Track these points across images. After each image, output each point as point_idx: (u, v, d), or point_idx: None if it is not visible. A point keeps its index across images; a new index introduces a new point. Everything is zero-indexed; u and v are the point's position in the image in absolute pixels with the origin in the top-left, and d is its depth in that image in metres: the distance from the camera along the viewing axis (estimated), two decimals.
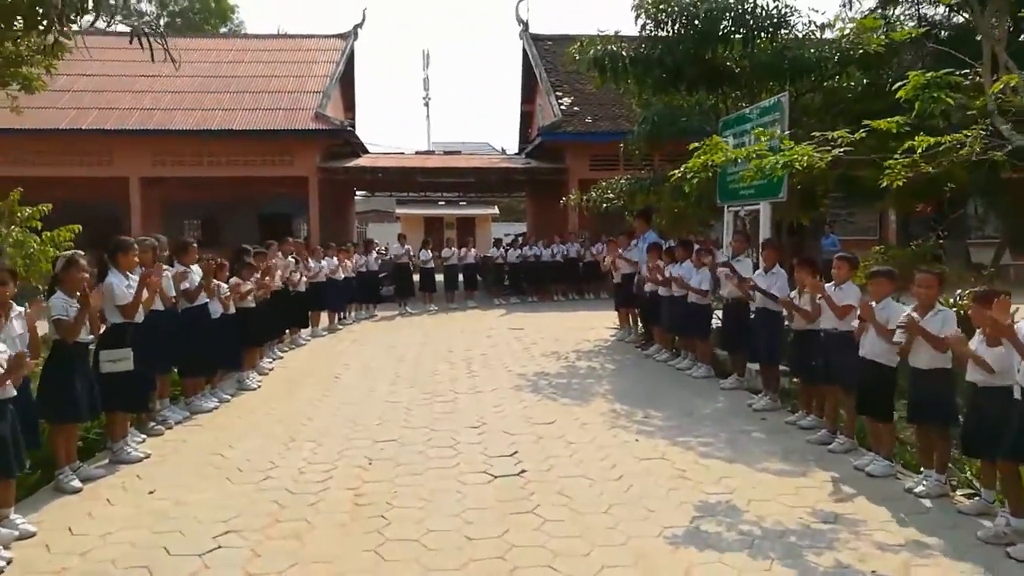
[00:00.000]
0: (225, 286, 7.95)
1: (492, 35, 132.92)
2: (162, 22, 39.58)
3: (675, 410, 7.47)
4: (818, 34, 11.51)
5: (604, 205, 12.10)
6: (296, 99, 21.67)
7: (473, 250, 18.32)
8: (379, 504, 4.92)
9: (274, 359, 10.32)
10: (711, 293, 9.24)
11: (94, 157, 20.00)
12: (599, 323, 14.18)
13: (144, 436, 6.27)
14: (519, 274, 19.05)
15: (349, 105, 28.19)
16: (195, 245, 7.50)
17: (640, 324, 11.88)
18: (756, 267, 8.37)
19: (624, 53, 11.79)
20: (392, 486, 5.26)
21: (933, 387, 5.03)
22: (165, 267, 6.90)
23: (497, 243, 19.48)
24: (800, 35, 11.51)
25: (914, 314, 5.11)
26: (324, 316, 13.76)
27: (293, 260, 11.65)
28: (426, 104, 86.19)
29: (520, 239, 20.79)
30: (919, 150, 5.42)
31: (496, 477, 5.42)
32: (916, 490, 5.05)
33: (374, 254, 16.46)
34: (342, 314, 14.70)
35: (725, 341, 8.83)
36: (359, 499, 5.02)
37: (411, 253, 17.34)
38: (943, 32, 15.89)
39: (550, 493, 5.10)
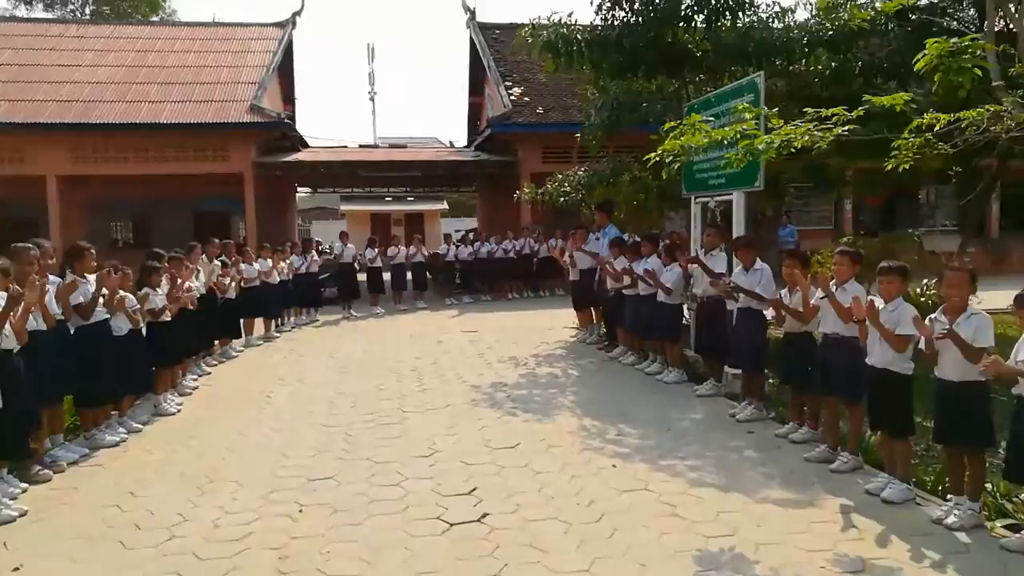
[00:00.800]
0: (132, 299, 6.86)
1: (439, 26, 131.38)
2: (88, 10, 37.54)
3: (651, 424, 6.68)
4: (781, 18, 10.88)
5: (561, 199, 11.26)
6: (230, 90, 20.31)
7: (422, 248, 17.32)
8: (307, 571, 3.98)
9: (200, 375, 9.22)
10: (682, 291, 8.48)
11: (4, 154, 18.36)
12: (557, 322, 13.38)
13: (25, 486, 5.18)
14: (471, 272, 18.13)
15: (288, 98, 26.82)
16: (91, 251, 6.39)
17: (602, 324, 11.11)
18: (731, 262, 7.66)
19: (579, 36, 11.00)
20: (325, 541, 4.32)
21: (966, 403, 4.30)
22: (51, 278, 5.81)
23: (447, 239, 18.51)
24: (764, 17, 10.88)
25: (943, 318, 4.37)
26: (260, 323, 12.67)
27: (220, 264, 10.54)
28: (372, 99, 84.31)
29: (471, 235, 19.87)
30: (936, 127, 4.69)
31: (452, 525, 4.51)
32: (947, 521, 4.32)
33: (313, 254, 15.36)
34: (279, 320, 13.60)
35: (699, 343, 8.09)
36: (283, 563, 4.07)
37: (355, 253, 16.28)
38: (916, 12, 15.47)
39: (518, 545, 4.22)
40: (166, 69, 21.11)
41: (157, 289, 7.51)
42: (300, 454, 6.01)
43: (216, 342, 10.55)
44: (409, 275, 17.14)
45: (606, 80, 11.93)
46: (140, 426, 6.82)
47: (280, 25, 24.23)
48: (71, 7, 37.81)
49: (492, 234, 18.69)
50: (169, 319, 7.58)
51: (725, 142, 6.38)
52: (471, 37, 24.89)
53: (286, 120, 19.15)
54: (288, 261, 14.03)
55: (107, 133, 18.39)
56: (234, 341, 11.19)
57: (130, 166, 18.91)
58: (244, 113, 19.06)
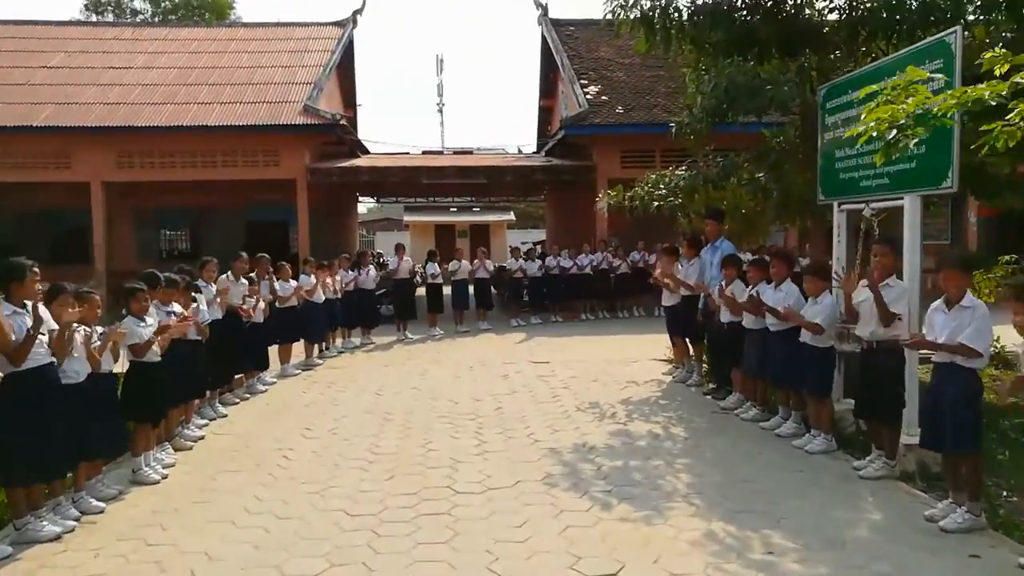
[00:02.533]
0: (86, 333, 5.11)
1: (510, 28, 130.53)
2: (155, 20, 37.24)
3: (810, 530, 4.58)
4: None
5: (654, 204, 9.20)
6: (283, 91, 18.96)
7: (488, 262, 15.48)
8: None
9: (212, 419, 7.52)
10: (838, 332, 6.34)
11: (50, 159, 17.35)
12: (642, 352, 11.37)
13: None
14: (541, 290, 16.19)
15: (349, 102, 25.51)
16: (35, 270, 4.68)
17: (707, 363, 9.00)
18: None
19: (680, 5, 8.99)
20: None
21: None
22: None
23: (514, 253, 16.62)
24: None
25: None
26: (302, 348, 10.99)
27: (248, 281, 8.86)
28: (440, 110, 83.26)
29: (538, 248, 17.94)
30: None
31: None
32: None
33: (371, 269, 13.65)
34: (323, 344, 11.91)
35: (862, 404, 5.88)
36: None
37: (412, 267, 14.54)
38: None
39: None
40: (218, 70, 19.92)
41: (146, 318, 5.80)
42: (305, 571, 4.14)
43: (240, 375, 8.90)
44: (472, 292, 15.32)
45: (709, 62, 9.83)
46: (102, 505, 5.07)
47: (340, 24, 22.88)
48: (141, 17, 37.65)
49: (563, 247, 16.70)
50: (159, 359, 5.84)
51: (897, 125, 4.27)
52: (543, 34, 23.10)
53: (341, 121, 17.61)
54: (338, 276, 12.36)
55: (153, 136, 17.20)
56: (269, 370, 9.51)
57: (177, 172, 17.68)
58: (297, 115, 17.63)
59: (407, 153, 22.93)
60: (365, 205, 51.99)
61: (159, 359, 5.83)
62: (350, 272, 12.99)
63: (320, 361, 11.27)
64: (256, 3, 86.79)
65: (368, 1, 23.79)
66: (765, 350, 7.04)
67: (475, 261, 15.35)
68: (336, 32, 22.49)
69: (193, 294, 7.17)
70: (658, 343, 11.98)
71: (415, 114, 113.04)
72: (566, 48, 20.70)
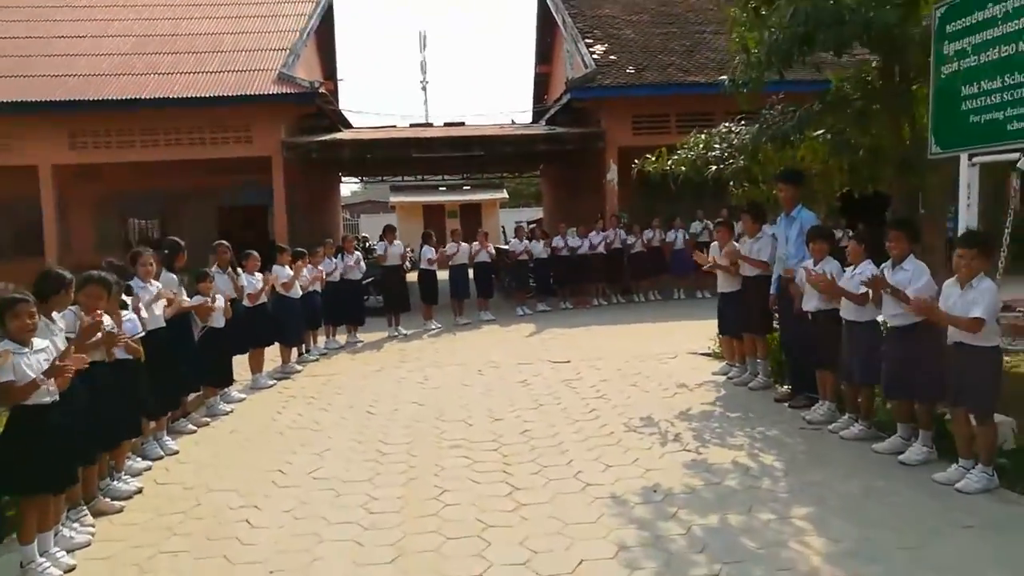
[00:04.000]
0: None
1: (496, 2, 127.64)
2: None
3: None
4: None
5: (711, 168, 7.43)
6: (254, 59, 17.01)
7: (489, 245, 13.73)
8: None
9: (154, 462, 5.76)
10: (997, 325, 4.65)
11: None
12: (676, 344, 9.85)
13: None
14: (548, 273, 14.46)
15: (329, 75, 23.55)
16: None
17: (780, 361, 7.33)
18: None
19: None
20: None
21: None
22: None
23: (519, 232, 14.84)
24: None
25: None
26: (277, 351, 9.26)
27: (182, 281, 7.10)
28: (423, 88, 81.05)
29: (530, 228, 16.13)
30: None
31: None
32: None
33: (357, 255, 11.86)
34: (303, 347, 10.16)
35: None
36: None
37: (403, 252, 12.75)
38: None
39: None
40: (180, 38, 17.93)
41: (35, 341, 4.03)
42: None
43: (196, 393, 7.16)
44: (471, 279, 13.57)
45: None
46: None
47: None
48: None
49: (563, 224, 14.96)
50: (51, 399, 4.06)
51: None
52: None
53: (321, 91, 15.71)
54: (319, 266, 10.59)
55: (107, 112, 15.26)
56: (226, 390, 7.76)
57: (137, 152, 15.78)
58: (271, 84, 15.73)
59: (393, 127, 21.02)
60: (348, 187, 49.94)
61: (56, 398, 4.06)
62: (333, 260, 11.21)
63: (299, 367, 9.53)
64: None
65: None
66: (873, 349, 5.40)
67: (475, 243, 13.60)
68: None
69: (124, 297, 5.42)
70: (691, 332, 10.46)
71: (399, 91, 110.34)
72: (567, 5, 18.80)
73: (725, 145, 7.54)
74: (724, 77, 8.02)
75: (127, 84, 15.62)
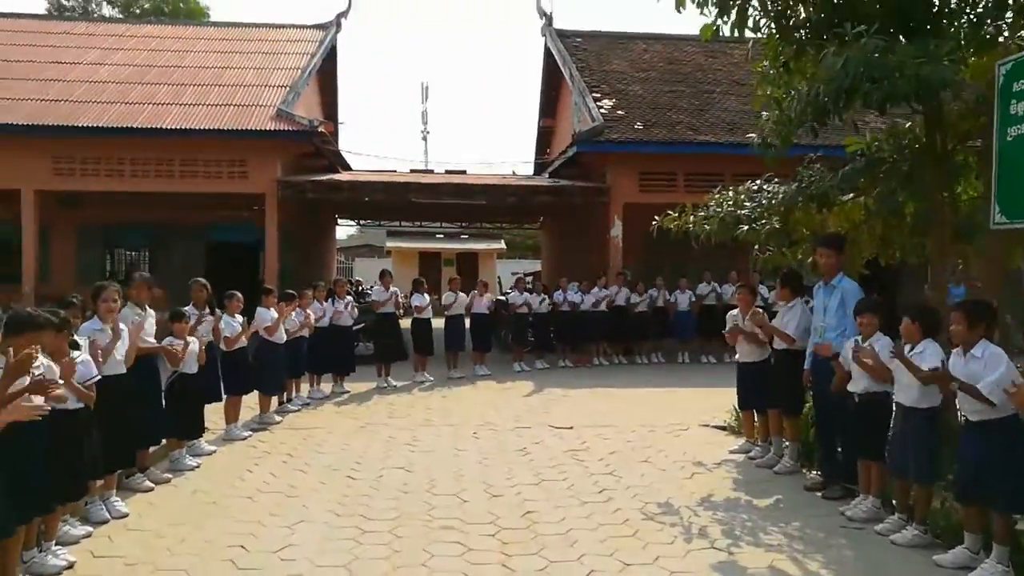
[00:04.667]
0: None
1: (502, 49, 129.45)
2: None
3: None
4: None
5: (741, 229, 6.80)
6: (254, 94, 16.56)
7: (487, 295, 13.08)
8: None
9: (95, 527, 4.97)
10: None
11: None
12: (686, 413, 9.27)
13: None
14: (548, 329, 13.78)
15: (330, 116, 23.17)
16: None
17: (812, 445, 6.63)
18: None
19: None
20: None
21: None
22: None
23: (518, 284, 14.20)
24: None
25: None
26: (255, 401, 8.51)
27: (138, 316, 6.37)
28: (424, 139, 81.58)
29: (531, 280, 15.48)
30: None
31: None
32: None
33: (349, 300, 11.17)
34: (286, 396, 9.40)
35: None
36: None
37: (399, 296, 12.06)
38: None
39: None
40: (181, 69, 17.49)
41: None
42: None
43: (156, 446, 6.40)
44: (468, 330, 12.88)
45: (789, 53, 7.54)
46: None
47: (322, 27, 20.58)
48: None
49: (563, 279, 14.32)
50: None
51: None
52: (546, 46, 20.99)
53: (318, 128, 15.22)
54: (306, 311, 9.90)
55: (97, 140, 14.70)
56: (190, 443, 6.99)
57: (126, 182, 15.12)
58: (268, 120, 15.24)
59: (393, 171, 20.55)
60: (344, 230, 49.41)
61: None
62: (323, 304, 10.51)
63: (278, 418, 8.75)
64: (231, 12, 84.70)
65: (353, 12, 21.48)
66: (932, 442, 4.76)
67: (473, 293, 12.96)
68: (317, 35, 20.18)
69: (75, 337, 4.72)
70: (699, 401, 9.87)
71: (399, 140, 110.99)
72: (575, 59, 18.54)
73: (755, 204, 6.94)
74: (750, 136, 7.47)
75: (122, 112, 15.09)
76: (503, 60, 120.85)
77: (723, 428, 8.54)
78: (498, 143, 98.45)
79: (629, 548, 4.78)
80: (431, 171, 21.26)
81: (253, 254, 18.20)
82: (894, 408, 5.38)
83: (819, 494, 5.96)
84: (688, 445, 7.71)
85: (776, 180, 7.02)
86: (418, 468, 6.70)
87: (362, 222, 29.80)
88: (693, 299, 14.72)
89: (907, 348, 4.97)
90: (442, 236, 34.63)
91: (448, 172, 20.24)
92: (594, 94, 16.98)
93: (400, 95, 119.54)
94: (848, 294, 5.89)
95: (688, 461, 7.06)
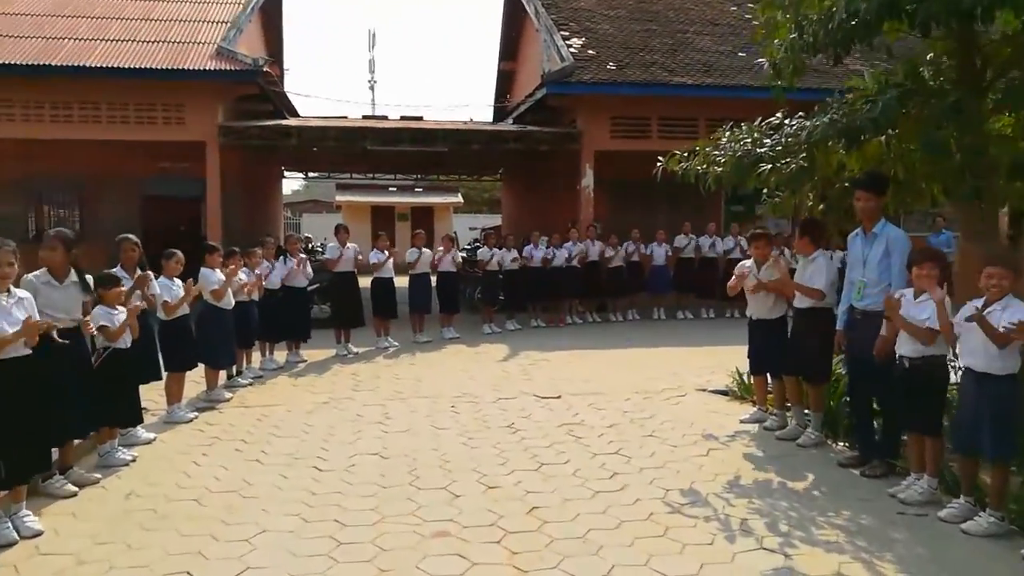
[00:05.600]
0: None
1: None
2: None
3: None
4: None
5: (761, 168, 5.91)
6: (190, 30, 15.02)
7: (453, 251, 12.09)
8: None
9: (2, 548, 3.97)
10: None
11: None
12: (678, 375, 8.64)
13: None
14: (519, 286, 12.87)
15: (275, 57, 21.50)
16: None
17: (843, 416, 5.91)
18: None
19: None
20: None
21: None
22: None
23: (488, 239, 13.18)
24: None
25: None
26: (202, 375, 7.47)
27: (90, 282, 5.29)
28: (371, 88, 78.68)
29: (490, 235, 14.41)
30: None
31: None
32: None
33: (302, 257, 10.06)
34: (235, 369, 8.35)
35: None
36: None
37: (357, 253, 10.94)
38: None
39: None
40: (105, 1, 15.75)
41: None
42: None
43: (80, 439, 5.35)
44: (434, 289, 11.91)
45: None
46: None
47: None
48: None
49: (535, 233, 13.39)
50: None
51: None
52: None
53: (265, 69, 13.84)
54: (257, 270, 8.83)
55: (11, 79, 13.08)
56: (121, 433, 5.95)
57: (46, 128, 13.58)
58: (208, 59, 13.78)
59: (344, 117, 19.15)
60: (290, 185, 47.47)
61: None
62: (273, 264, 9.42)
63: (228, 395, 7.72)
64: None
65: None
66: (1012, 413, 4.03)
67: (439, 250, 11.96)
68: None
69: None
70: (688, 361, 9.39)
71: (346, 90, 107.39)
72: None
73: (774, 141, 6.06)
74: (760, 60, 6.52)
75: (39, 48, 13.48)
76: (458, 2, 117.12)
77: (723, 393, 7.83)
78: (453, 90, 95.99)
79: (663, 553, 3.97)
80: (385, 117, 19.94)
81: (195, 209, 16.78)
82: (954, 375, 4.69)
83: (856, 471, 5.25)
84: (691, 414, 6.95)
85: (800, 115, 6.13)
86: (395, 453, 5.79)
87: (310, 174, 28.26)
88: (670, 252, 13.97)
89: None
90: (395, 189, 33.26)
91: (403, 119, 18.95)
92: (562, 32, 15.85)
93: (347, 42, 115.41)
94: (895, 242, 5.11)
95: (698, 434, 6.29)
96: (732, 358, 8.21)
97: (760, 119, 6.62)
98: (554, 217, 16.86)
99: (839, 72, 14.77)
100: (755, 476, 5.25)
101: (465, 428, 6.52)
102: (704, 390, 8.03)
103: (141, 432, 6.06)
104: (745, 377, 7.38)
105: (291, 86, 28.37)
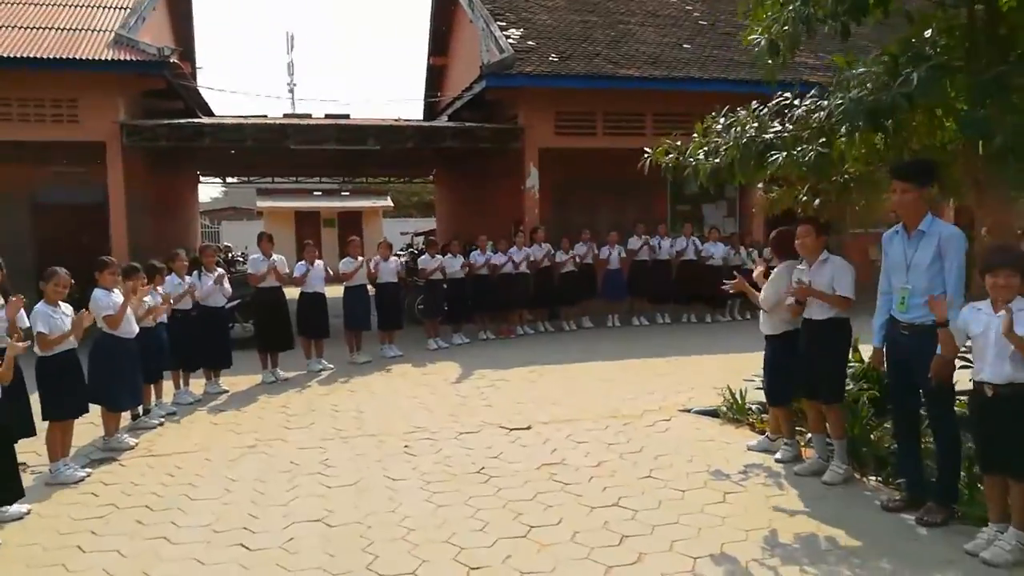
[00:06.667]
0: None
1: None
2: None
3: None
4: None
5: (773, 157, 4.94)
6: (84, 16, 13.37)
7: (394, 259, 10.90)
8: None
9: None
10: None
11: None
12: (655, 393, 7.67)
13: None
14: (465, 297, 11.75)
15: (184, 54, 19.78)
16: None
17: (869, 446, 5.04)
18: None
19: None
20: None
21: None
22: None
23: (432, 246, 11.94)
24: None
25: None
26: (99, 417, 6.12)
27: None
28: (291, 91, 76.04)
29: (432, 240, 13.23)
30: None
31: None
32: None
33: (215, 273, 8.66)
34: (142, 408, 6.99)
35: None
36: None
37: (280, 264, 9.59)
38: None
39: None
40: None
41: None
42: None
43: None
44: (373, 302, 10.68)
45: None
46: None
47: None
48: None
49: (482, 237, 12.28)
50: None
51: None
52: None
53: (172, 59, 12.32)
54: (160, 288, 7.48)
55: None
56: (33, 471, 4.60)
57: None
58: (104, 48, 12.19)
59: (264, 116, 17.65)
60: (209, 192, 45.04)
61: None
62: (185, 280, 8.05)
63: (132, 441, 6.37)
64: None
65: None
66: None
67: (375, 258, 10.74)
68: None
69: None
70: (659, 376, 8.79)
71: (267, 91, 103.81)
72: None
73: (782, 127, 5.14)
74: (754, 39, 5.60)
75: None
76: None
77: (712, 414, 6.93)
78: (380, 90, 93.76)
79: None
80: (309, 115, 18.51)
81: (98, 218, 15.02)
82: None
83: (909, 517, 4.37)
84: (686, 444, 6.00)
85: (812, 94, 5.22)
86: (342, 518, 4.62)
87: (229, 180, 26.43)
88: (623, 255, 13.10)
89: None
90: (320, 193, 31.61)
91: (329, 117, 17.57)
92: (499, 22, 14.82)
93: (264, 44, 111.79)
94: (949, 241, 4.24)
95: (703, 471, 5.34)
96: (704, 369, 7.34)
97: (756, 103, 5.72)
98: (495, 220, 15.85)
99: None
100: (793, 530, 4.30)
101: (425, 477, 5.38)
102: (689, 411, 7.11)
103: (9, 508, 4.71)
104: (747, 398, 6.48)
105: (205, 90, 26.46)
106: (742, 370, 7.44)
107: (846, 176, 5.90)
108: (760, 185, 6.01)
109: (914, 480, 4.52)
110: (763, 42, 5.36)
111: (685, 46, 15.14)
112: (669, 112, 13.81)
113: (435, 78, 22.19)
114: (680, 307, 13.44)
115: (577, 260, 12.57)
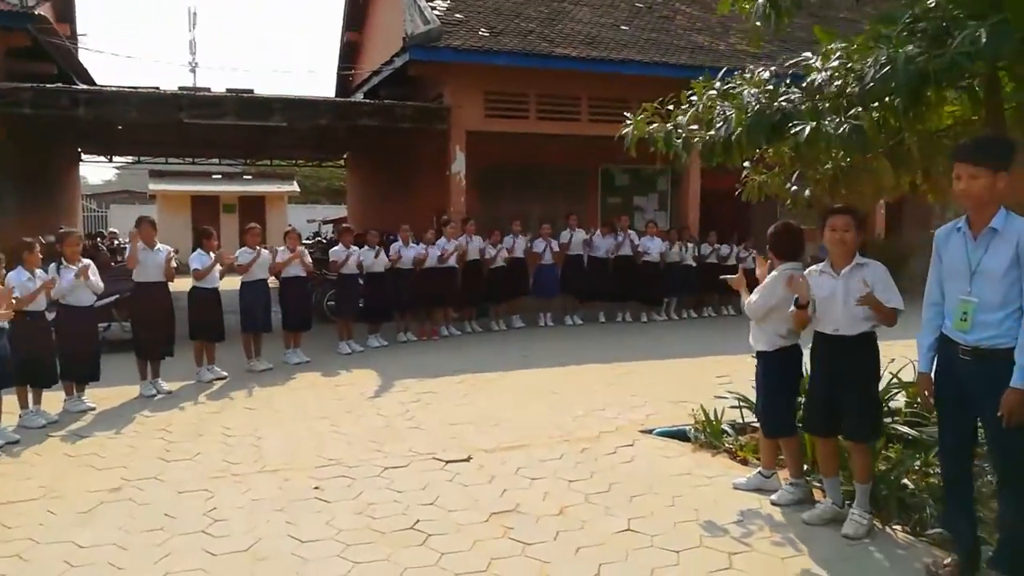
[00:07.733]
0: None
1: None
2: None
3: None
4: None
5: (794, 128, 3.93)
6: None
7: (302, 251, 9.47)
8: None
9: None
10: None
11: None
12: (608, 409, 6.65)
13: None
14: (383, 293, 10.42)
15: (63, 16, 17.52)
16: None
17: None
18: None
19: None
20: None
21: None
22: None
23: (344, 235, 10.53)
24: None
25: None
26: None
27: None
28: (193, 71, 71.86)
29: (345, 229, 11.81)
30: None
31: None
32: None
33: (80, 264, 7.06)
34: None
35: None
36: None
37: (168, 256, 8.01)
38: None
39: None
40: None
41: None
42: None
43: None
44: (277, 300, 9.26)
45: None
46: None
47: None
48: None
49: (404, 227, 10.95)
50: None
51: None
52: None
53: (38, 12, 10.47)
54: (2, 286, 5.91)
55: None
56: None
57: None
58: None
59: (156, 88, 15.70)
60: (103, 173, 41.74)
61: None
62: (36, 274, 6.47)
63: None
64: None
65: None
66: None
67: (280, 249, 9.32)
68: None
69: None
70: (606, 386, 7.76)
71: (165, 70, 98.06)
72: None
73: (802, 95, 4.15)
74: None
75: None
76: None
77: (679, 436, 5.94)
78: (289, 67, 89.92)
79: None
80: (207, 89, 16.64)
81: None
82: None
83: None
84: (661, 481, 4.96)
85: (838, 55, 4.23)
86: None
87: (116, 159, 24.02)
88: (555, 249, 12.07)
89: None
90: (219, 176, 29.33)
91: (231, 91, 15.79)
92: None
93: (164, 20, 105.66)
94: None
95: (694, 521, 4.31)
96: (654, 377, 6.47)
97: (756, 67, 4.70)
98: (414, 208, 14.58)
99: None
100: None
101: (343, 535, 4.14)
102: (650, 431, 6.12)
103: None
104: (720, 418, 5.51)
105: (90, 60, 23.90)
106: (694, 379, 6.57)
107: (844, 163, 4.99)
108: (746, 164, 5.00)
109: (967, 540, 3.60)
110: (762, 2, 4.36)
111: (623, 28, 14.23)
112: (606, 97, 12.87)
113: (351, 53, 20.60)
114: (614, 305, 12.55)
115: (507, 254, 11.47)
